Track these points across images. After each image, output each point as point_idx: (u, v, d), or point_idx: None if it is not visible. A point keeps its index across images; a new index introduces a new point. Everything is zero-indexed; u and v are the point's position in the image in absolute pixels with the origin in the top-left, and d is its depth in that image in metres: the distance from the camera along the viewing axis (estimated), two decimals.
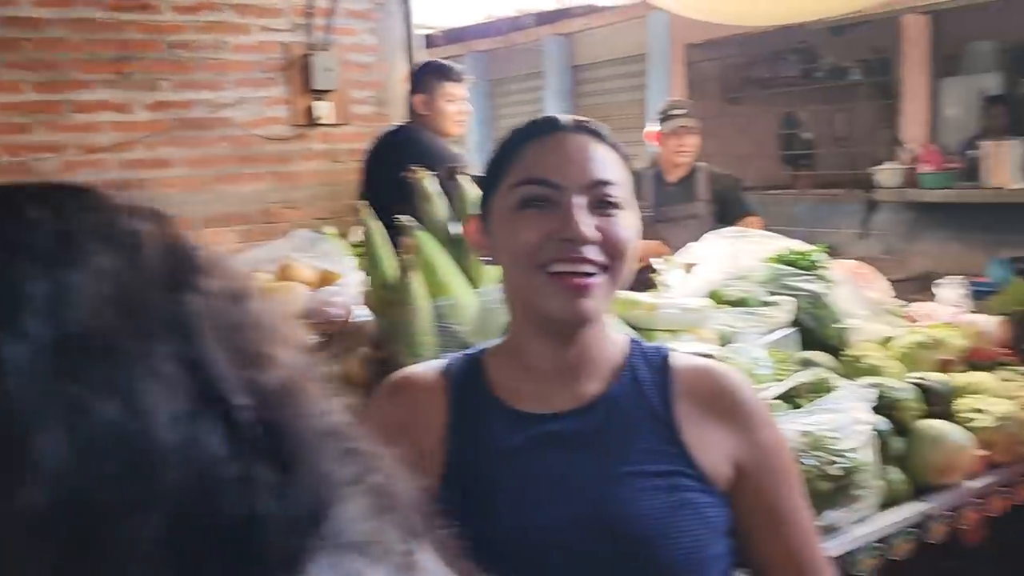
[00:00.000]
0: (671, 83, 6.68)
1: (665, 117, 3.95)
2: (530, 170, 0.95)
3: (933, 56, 5.28)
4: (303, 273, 1.58)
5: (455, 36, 6.79)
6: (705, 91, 6.68)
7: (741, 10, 4.56)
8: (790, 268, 2.15)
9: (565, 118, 1.01)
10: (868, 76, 6.22)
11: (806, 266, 2.17)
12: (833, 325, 2.10)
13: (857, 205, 5.57)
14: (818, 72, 6.60)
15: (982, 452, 1.78)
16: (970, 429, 1.82)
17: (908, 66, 5.35)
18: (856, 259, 5.30)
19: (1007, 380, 2.04)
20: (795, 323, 2.09)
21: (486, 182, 1.00)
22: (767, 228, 5.83)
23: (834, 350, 2.10)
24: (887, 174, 5.19)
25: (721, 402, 0.99)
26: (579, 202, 0.93)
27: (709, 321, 1.93)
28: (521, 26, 7.11)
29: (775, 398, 1.65)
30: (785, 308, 2.02)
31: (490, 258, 1.00)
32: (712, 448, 0.96)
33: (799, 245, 2.25)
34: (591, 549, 0.91)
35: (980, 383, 1.97)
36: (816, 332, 2.11)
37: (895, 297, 3.28)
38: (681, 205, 3.94)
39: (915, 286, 4.84)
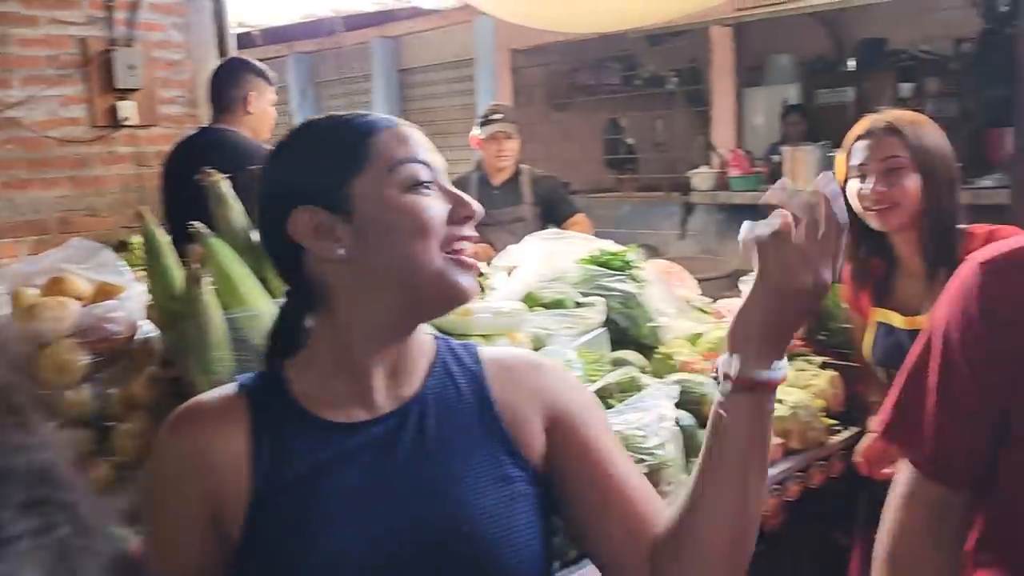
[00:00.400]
0: (498, 88, 6.74)
1: (485, 122, 3.97)
2: (405, 153, 0.91)
3: (738, 67, 5.62)
4: (77, 286, 1.43)
5: (275, 36, 6.55)
6: (532, 96, 6.81)
7: (560, 17, 4.67)
8: (603, 269, 2.19)
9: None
10: (683, 85, 6.55)
11: (619, 267, 2.21)
12: (646, 324, 2.16)
13: (676, 207, 5.84)
14: (638, 80, 6.89)
15: (778, 441, 1.87)
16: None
17: (717, 76, 5.67)
18: (674, 259, 5.56)
19: (801, 370, 2.17)
20: (609, 323, 2.13)
21: (332, 171, 0.90)
22: (594, 230, 6.03)
23: (648, 348, 2.16)
24: (701, 178, 5.47)
25: (533, 380, 0.98)
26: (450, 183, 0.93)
27: (523, 324, 1.93)
28: (346, 27, 6.96)
29: None
30: (598, 309, 2.05)
31: (341, 251, 0.89)
32: (533, 431, 0.95)
33: (612, 246, 2.30)
34: (424, 562, 0.87)
35: None
36: (630, 331, 2.15)
37: (703, 295, 3.44)
38: (506, 208, 3.97)
39: (729, 283, 5.14)
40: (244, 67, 3.05)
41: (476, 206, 0.92)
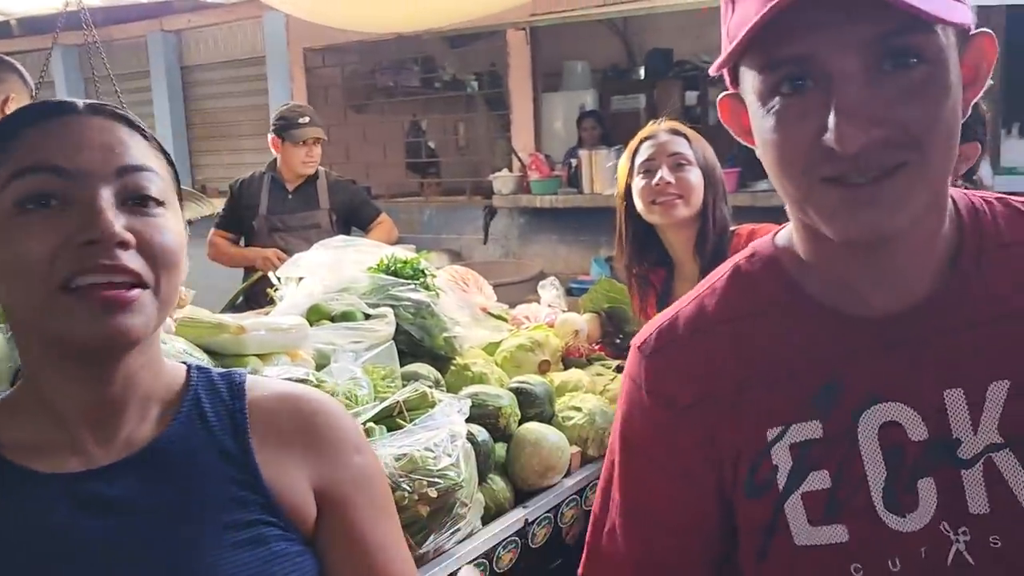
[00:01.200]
0: (291, 88, 6.44)
1: (290, 125, 3.74)
2: (30, 158, 0.72)
3: (536, 72, 5.68)
4: None
5: (35, 26, 5.88)
6: (328, 97, 6.55)
7: (354, 16, 4.50)
8: (394, 278, 2.07)
9: (79, 100, 0.78)
10: (483, 88, 6.56)
11: (411, 275, 2.10)
12: (441, 334, 2.05)
13: (478, 211, 5.82)
14: (438, 83, 6.81)
15: (576, 449, 1.83)
16: (567, 428, 1.86)
17: (515, 80, 5.70)
18: (478, 263, 5.53)
19: (599, 375, 2.15)
20: (402, 334, 2.00)
21: None
22: (397, 233, 5.89)
23: (444, 359, 2.06)
24: (502, 181, 5.48)
25: (305, 432, 0.84)
26: (105, 195, 0.72)
27: (305, 341, 1.76)
28: (119, 19, 6.38)
29: (371, 420, 1.53)
30: (387, 320, 1.92)
31: None
32: (297, 486, 0.82)
33: (403, 253, 2.18)
34: None
35: (576, 381, 2.04)
36: (424, 342, 2.04)
37: (506, 299, 3.39)
38: (301, 214, 3.76)
39: (531, 287, 5.18)
40: None
41: (112, 230, 0.71)
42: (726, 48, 0.74)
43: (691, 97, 5.77)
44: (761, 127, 0.73)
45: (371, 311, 1.97)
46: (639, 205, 1.91)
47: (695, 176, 1.87)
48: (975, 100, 0.73)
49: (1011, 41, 5.19)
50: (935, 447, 0.74)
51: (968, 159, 1.68)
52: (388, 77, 6.64)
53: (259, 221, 3.74)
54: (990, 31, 0.73)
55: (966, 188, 1.09)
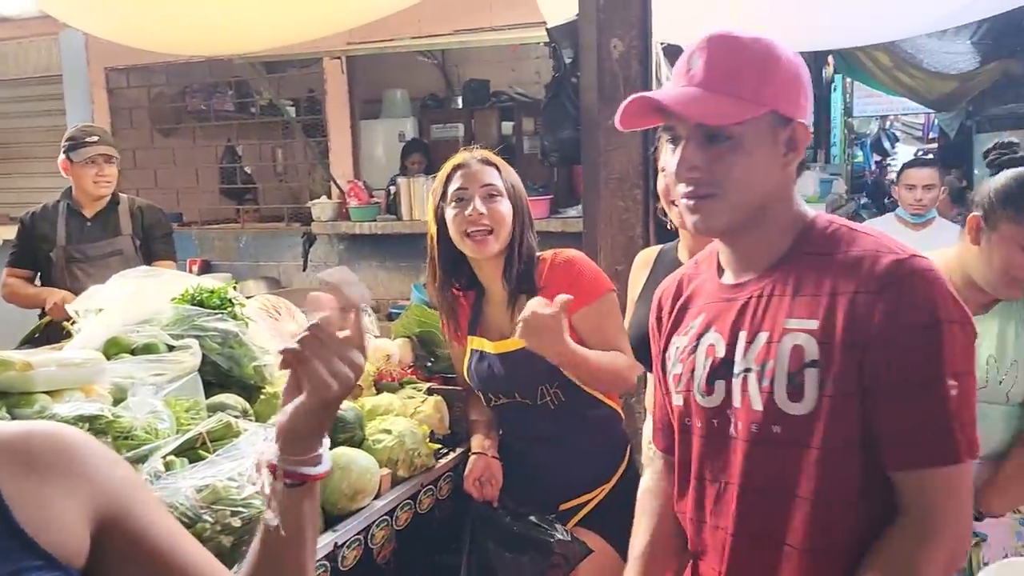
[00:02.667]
0: (93, 109, 6.10)
1: (76, 144, 3.53)
2: None
3: (354, 99, 5.70)
4: None
5: None
6: (134, 120, 6.26)
7: (160, 38, 4.35)
8: (199, 308, 2.03)
9: None
10: (301, 114, 6.47)
11: (217, 304, 2.07)
12: (250, 363, 2.04)
13: (298, 238, 5.74)
14: (254, 108, 6.66)
15: (386, 471, 1.87)
16: (377, 451, 1.91)
17: (333, 107, 5.70)
18: (298, 290, 5.44)
19: (409, 397, 2.21)
20: (209, 365, 1.98)
21: None
22: (212, 264, 5.68)
23: (255, 389, 2.05)
24: (321, 208, 5.44)
25: (56, 465, 0.82)
26: None
27: (101, 375, 1.71)
28: None
29: (172, 453, 1.51)
30: (192, 351, 1.89)
31: None
32: (61, 519, 0.80)
33: (210, 282, 2.15)
34: None
35: (387, 405, 2.09)
36: (233, 372, 2.02)
37: None
38: (101, 242, 3.56)
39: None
40: None
41: None
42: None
43: (507, 127, 5.97)
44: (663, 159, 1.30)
45: (175, 342, 1.93)
46: (452, 233, 1.92)
47: (505, 207, 1.91)
48: (799, 159, 1.20)
49: None
50: (724, 363, 1.22)
51: None
52: (200, 100, 6.42)
53: (56, 253, 3.51)
54: (803, 121, 1.18)
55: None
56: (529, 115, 5.68)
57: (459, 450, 2.13)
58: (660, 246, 2.11)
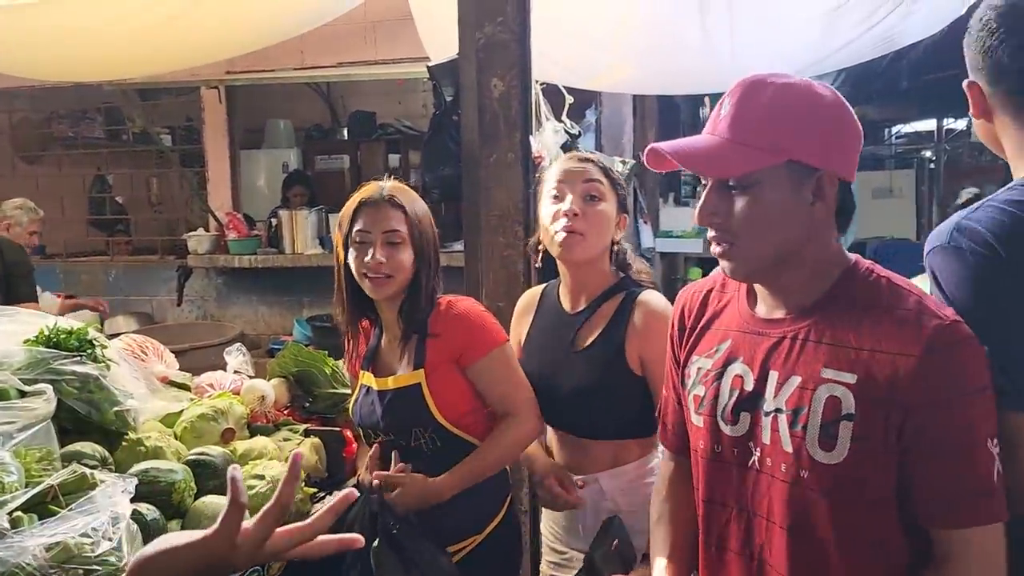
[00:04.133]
0: None
1: None
2: None
3: (234, 128, 5.55)
4: None
5: None
6: None
7: (24, 62, 4.13)
8: (55, 351, 1.91)
9: None
10: (178, 143, 6.26)
11: (76, 346, 1.95)
12: (111, 409, 1.93)
13: (172, 271, 5.51)
14: (126, 135, 6.40)
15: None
16: (251, 496, 1.83)
17: (211, 136, 5.54)
18: (172, 325, 5.22)
19: (287, 439, 2.14)
20: (66, 411, 1.86)
21: None
22: (79, 297, 5.37)
23: (117, 435, 1.94)
24: (198, 240, 5.25)
25: None
26: None
27: None
28: None
29: (19, 509, 1.41)
30: (45, 397, 1.77)
31: None
32: None
33: (67, 323, 2.03)
34: None
35: (261, 448, 2.02)
36: (92, 418, 1.91)
37: (193, 366, 3.24)
38: None
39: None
40: None
41: None
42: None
43: (394, 159, 5.95)
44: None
45: (27, 388, 1.81)
46: (354, 273, 1.89)
47: (406, 255, 1.88)
48: (829, 208, 1.18)
49: (665, 123, 6.00)
50: (752, 396, 1.22)
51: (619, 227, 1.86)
52: (67, 126, 6.13)
53: None
54: (833, 171, 1.16)
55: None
56: (416, 148, 5.67)
57: (336, 493, 2.06)
58: (542, 286, 2.12)
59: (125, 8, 3.25)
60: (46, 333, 1.95)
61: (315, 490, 2.04)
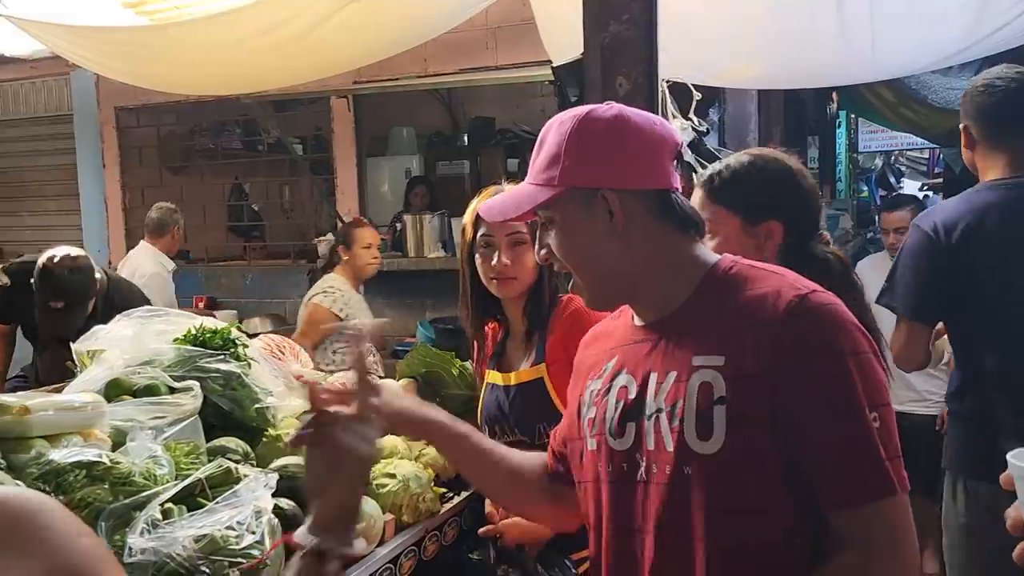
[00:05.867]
0: (103, 148, 6.14)
1: None
2: None
3: (360, 137, 5.72)
4: None
5: None
6: (143, 158, 6.30)
7: (168, 78, 4.39)
8: (201, 349, 2.01)
9: None
10: (308, 152, 6.51)
11: (220, 345, 2.04)
12: (252, 406, 2.01)
13: (303, 275, 5.72)
14: (261, 146, 6.70)
15: (390, 517, 1.83)
16: (381, 496, 1.87)
17: (339, 145, 5.72)
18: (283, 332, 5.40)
19: (416, 440, 2.17)
20: (211, 407, 1.95)
21: None
22: (218, 301, 5.65)
23: (258, 431, 2.01)
24: (327, 245, 5.41)
25: (12, 536, 0.76)
26: None
27: (101, 419, 1.68)
28: None
29: (170, 501, 1.48)
30: (193, 394, 1.86)
31: None
32: None
33: (213, 323, 2.13)
34: None
35: (392, 447, 2.05)
36: (235, 414, 1.99)
37: (326, 366, 3.34)
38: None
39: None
40: None
41: None
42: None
43: (512, 164, 5.97)
44: None
45: (176, 384, 1.91)
46: (480, 276, 1.97)
47: (530, 256, 1.92)
48: (629, 222, 1.21)
49: (792, 120, 5.77)
50: (636, 404, 1.20)
51: (772, 236, 1.65)
52: (208, 139, 6.47)
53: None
54: (612, 188, 1.20)
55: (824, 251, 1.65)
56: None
57: (464, 494, 2.08)
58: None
59: (263, 23, 3.40)
60: (193, 332, 2.05)
61: (444, 490, 2.06)
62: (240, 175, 6.75)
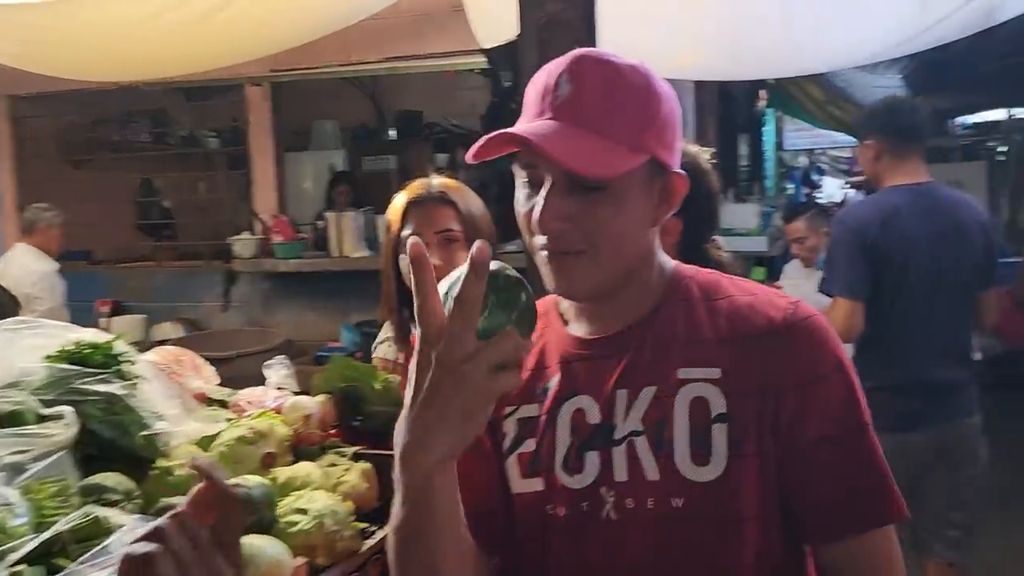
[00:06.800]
0: None
1: None
2: None
3: (278, 129, 5.43)
4: None
5: None
6: (41, 151, 5.85)
7: (66, 62, 4.03)
8: (78, 367, 1.72)
9: None
10: (223, 145, 6.19)
11: (101, 362, 1.76)
12: (140, 432, 1.73)
13: (218, 276, 5.40)
14: (172, 138, 6.35)
15: (301, 561, 1.58)
16: (291, 536, 1.62)
17: (256, 137, 5.41)
18: (218, 331, 5.09)
19: (334, 464, 1.92)
20: (89, 436, 1.66)
21: None
22: (125, 305, 5.28)
23: (146, 463, 1.74)
24: (243, 245, 5.12)
25: None
26: None
27: None
28: None
29: (24, 561, 1.21)
30: (65, 422, 1.58)
31: None
32: None
33: (94, 336, 1.84)
34: None
35: (305, 476, 1.80)
36: (119, 443, 1.71)
37: (238, 374, 3.04)
38: None
39: (278, 355, 4.82)
40: None
41: None
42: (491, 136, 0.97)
43: (441, 159, 5.76)
44: (515, 196, 1.04)
45: (46, 411, 1.62)
46: (406, 278, 1.78)
47: (463, 256, 1.72)
48: (670, 212, 1.03)
49: (724, 117, 5.71)
50: (601, 429, 1.00)
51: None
52: (113, 131, 6.07)
53: None
54: (683, 172, 1.01)
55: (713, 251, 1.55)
56: (465, 146, 5.48)
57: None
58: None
59: (161, 3, 3.10)
60: (69, 348, 1.76)
61: (366, 524, 1.81)
62: (149, 170, 6.38)
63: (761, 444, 0.96)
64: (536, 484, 1.03)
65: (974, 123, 10.80)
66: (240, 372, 3.89)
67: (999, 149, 10.23)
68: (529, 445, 1.05)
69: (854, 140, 8.63)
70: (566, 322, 1.09)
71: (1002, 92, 8.38)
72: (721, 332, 1.00)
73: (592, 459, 1.00)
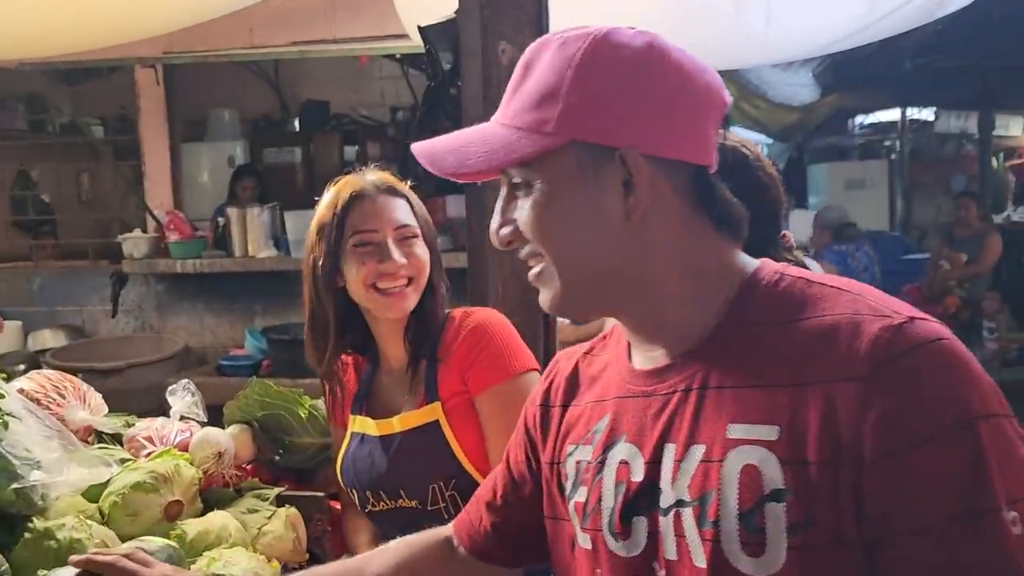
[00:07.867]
0: None
1: None
2: None
3: (172, 118, 5.03)
4: None
5: None
6: None
7: None
8: None
9: None
10: (110, 134, 5.73)
11: None
12: (11, 486, 1.41)
13: (106, 278, 4.95)
14: (51, 125, 5.84)
15: None
16: None
17: (147, 125, 5.00)
18: (106, 339, 4.64)
19: (253, 511, 1.63)
20: None
21: None
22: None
23: (20, 520, 1.42)
24: (134, 243, 4.70)
25: None
26: None
27: None
28: None
29: None
30: None
31: None
32: None
33: None
34: None
35: (219, 530, 1.51)
36: None
37: (135, 384, 2.68)
38: None
39: (173, 365, 4.42)
40: None
41: None
42: None
43: (350, 152, 5.45)
44: None
45: None
46: (354, 285, 1.49)
47: (423, 252, 1.52)
48: (650, 203, 0.82)
49: None
50: (645, 491, 0.84)
51: None
52: None
53: None
54: (628, 150, 0.81)
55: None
56: (375, 140, 5.25)
57: None
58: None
59: None
60: None
61: None
62: (25, 160, 5.84)
63: (839, 531, 0.72)
64: (587, 541, 0.90)
65: (870, 123, 11.15)
66: (131, 384, 3.50)
67: (893, 147, 10.60)
68: (582, 494, 0.91)
69: (765, 137, 8.77)
70: (627, 349, 0.93)
71: (905, 93, 8.62)
72: (785, 375, 0.77)
73: (640, 527, 0.84)
